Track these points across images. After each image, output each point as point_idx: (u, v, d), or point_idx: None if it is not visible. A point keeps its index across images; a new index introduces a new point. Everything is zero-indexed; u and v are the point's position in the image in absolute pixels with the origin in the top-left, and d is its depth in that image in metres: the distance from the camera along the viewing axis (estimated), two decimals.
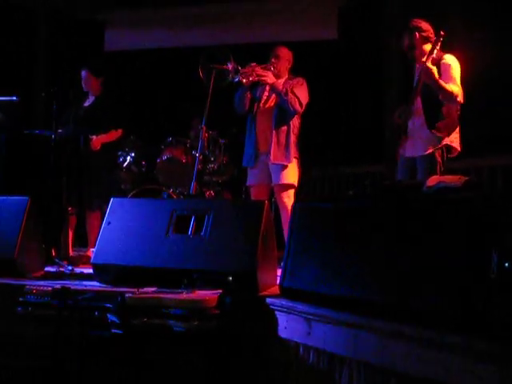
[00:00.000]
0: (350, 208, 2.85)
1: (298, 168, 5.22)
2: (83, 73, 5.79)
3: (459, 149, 4.45)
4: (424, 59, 4.30)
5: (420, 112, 4.43)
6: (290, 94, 5.08)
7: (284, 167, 5.11)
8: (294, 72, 5.46)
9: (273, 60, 5.31)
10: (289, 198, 5.08)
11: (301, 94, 5.15)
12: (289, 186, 5.14)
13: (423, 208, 2.49)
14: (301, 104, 5.13)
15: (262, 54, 5.57)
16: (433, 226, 2.36)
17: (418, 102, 4.45)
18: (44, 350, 3.18)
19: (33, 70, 8.22)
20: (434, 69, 4.27)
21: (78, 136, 5.45)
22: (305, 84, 5.27)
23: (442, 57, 4.41)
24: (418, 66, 4.55)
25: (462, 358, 2.04)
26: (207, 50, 5.12)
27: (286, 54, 5.42)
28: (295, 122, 5.22)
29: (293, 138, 5.17)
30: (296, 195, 5.22)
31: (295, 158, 5.16)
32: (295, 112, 5.14)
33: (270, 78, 5.12)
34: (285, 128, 5.17)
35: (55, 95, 4.95)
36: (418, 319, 2.25)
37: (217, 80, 4.84)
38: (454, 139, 4.40)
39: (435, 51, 4.31)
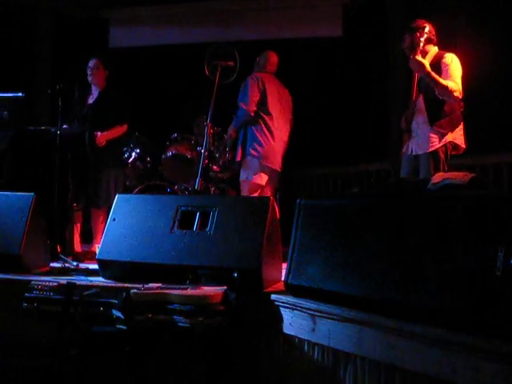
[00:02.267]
0: (354, 205, 2.85)
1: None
2: (93, 62, 5.76)
3: (464, 146, 4.45)
4: (417, 54, 4.33)
5: (423, 110, 4.44)
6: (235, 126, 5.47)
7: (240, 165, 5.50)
8: (297, 69, 5.50)
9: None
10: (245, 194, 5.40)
11: (242, 99, 5.40)
12: (243, 182, 5.47)
13: (428, 205, 2.48)
14: (245, 110, 5.36)
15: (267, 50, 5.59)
16: (438, 223, 2.36)
17: (421, 100, 4.46)
18: (49, 347, 3.19)
19: (36, 68, 8.22)
20: (425, 62, 4.28)
21: (84, 133, 5.46)
22: (251, 81, 5.36)
23: (442, 55, 4.42)
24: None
25: (466, 356, 2.04)
26: (212, 47, 5.13)
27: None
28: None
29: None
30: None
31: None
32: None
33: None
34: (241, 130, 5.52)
35: (61, 92, 4.95)
36: (422, 317, 2.25)
37: (222, 76, 4.85)
38: (458, 136, 4.40)
39: (421, 44, 4.34)
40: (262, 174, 5.35)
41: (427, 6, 6.21)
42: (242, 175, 5.37)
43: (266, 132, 5.32)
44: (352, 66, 7.47)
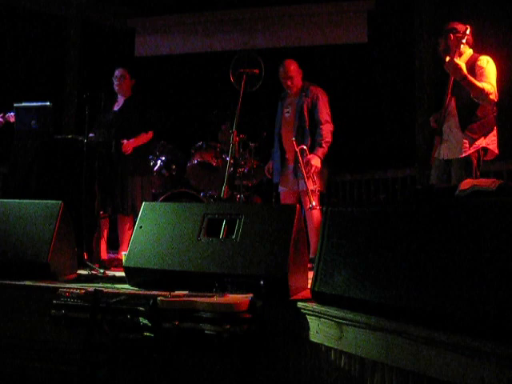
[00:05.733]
0: (381, 212, 2.83)
1: (326, 172, 5.44)
2: (119, 71, 5.85)
3: (496, 151, 4.39)
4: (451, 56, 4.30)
5: (454, 114, 4.39)
6: (326, 138, 5.36)
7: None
8: (323, 76, 5.49)
9: (289, 83, 5.55)
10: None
11: (326, 116, 5.42)
12: (314, 192, 5.28)
13: (456, 212, 2.46)
14: (330, 128, 5.41)
15: (292, 58, 5.60)
16: (466, 230, 2.33)
17: (453, 104, 4.41)
18: (76, 354, 3.22)
19: (65, 77, 8.33)
20: (462, 64, 4.24)
21: (110, 141, 5.51)
22: (325, 97, 5.39)
23: (477, 58, 4.38)
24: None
25: (495, 365, 2.01)
26: (237, 55, 5.15)
27: (295, 69, 5.59)
28: None
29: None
30: (326, 199, 5.30)
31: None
32: None
33: (315, 166, 5.29)
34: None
35: (88, 101, 5.00)
36: (451, 325, 2.22)
37: (247, 84, 4.86)
38: (490, 141, 4.34)
39: (461, 46, 4.30)
40: None
41: (456, 10, 6.17)
42: (317, 185, 5.27)
43: None
44: (378, 71, 7.44)
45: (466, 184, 2.83)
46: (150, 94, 6.58)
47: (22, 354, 3.53)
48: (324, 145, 5.30)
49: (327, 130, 5.36)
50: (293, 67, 5.56)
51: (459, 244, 2.33)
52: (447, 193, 2.97)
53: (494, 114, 4.36)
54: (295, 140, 5.24)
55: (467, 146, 4.31)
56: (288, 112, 5.61)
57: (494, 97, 4.24)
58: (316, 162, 5.24)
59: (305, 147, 5.26)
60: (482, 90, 4.19)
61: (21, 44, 7.73)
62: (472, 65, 4.34)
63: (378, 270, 2.62)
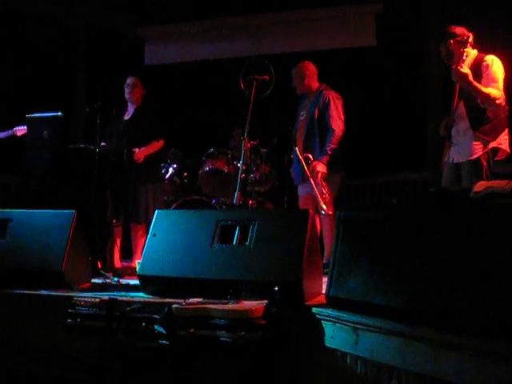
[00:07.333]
0: (394, 216, 2.82)
1: (338, 177, 5.40)
2: (131, 79, 5.86)
3: (508, 151, 4.35)
4: (455, 63, 4.27)
5: (464, 116, 4.36)
6: (332, 145, 5.25)
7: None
8: (333, 80, 5.49)
9: (293, 85, 5.53)
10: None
11: (337, 121, 5.33)
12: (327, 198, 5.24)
13: (471, 214, 2.45)
14: (339, 133, 5.31)
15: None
16: (481, 232, 2.32)
17: (462, 107, 4.39)
18: (92, 362, 3.22)
19: (74, 86, 8.37)
20: (468, 71, 4.20)
21: (121, 149, 5.52)
22: (338, 101, 5.35)
23: (482, 58, 4.34)
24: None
25: (510, 366, 2.00)
26: (247, 61, 5.16)
27: (299, 71, 5.56)
28: None
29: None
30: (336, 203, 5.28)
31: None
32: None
33: (321, 172, 5.22)
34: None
35: (99, 110, 5.02)
36: (467, 328, 2.21)
37: (257, 90, 4.86)
38: (502, 141, 4.31)
39: (465, 54, 4.27)
40: None
41: (463, 11, 6.15)
42: (326, 191, 5.20)
43: None
44: (388, 75, 7.43)
45: (480, 186, 2.82)
46: (160, 101, 6.59)
47: (36, 362, 3.54)
48: (330, 151, 5.27)
49: (336, 136, 5.30)
50: (299, 69, 5.57)
51: (474, 246, 2.32)
52: (461, 195, 2.96)
53: (506, 113, 4.32)
54: (298, 149, 5.22)
55: (477, 148, 4.28)
56: (302, 115, 5.56)
57: (501, 101, 4.21)
58: (321, 168, 5.18)
59: (310, 156, 5.23)
60: (488, 96, 4.16)
61: (29, 53, 7.75)
62: (478, 65, 4.31)
63: (392, 274, 2.61)
